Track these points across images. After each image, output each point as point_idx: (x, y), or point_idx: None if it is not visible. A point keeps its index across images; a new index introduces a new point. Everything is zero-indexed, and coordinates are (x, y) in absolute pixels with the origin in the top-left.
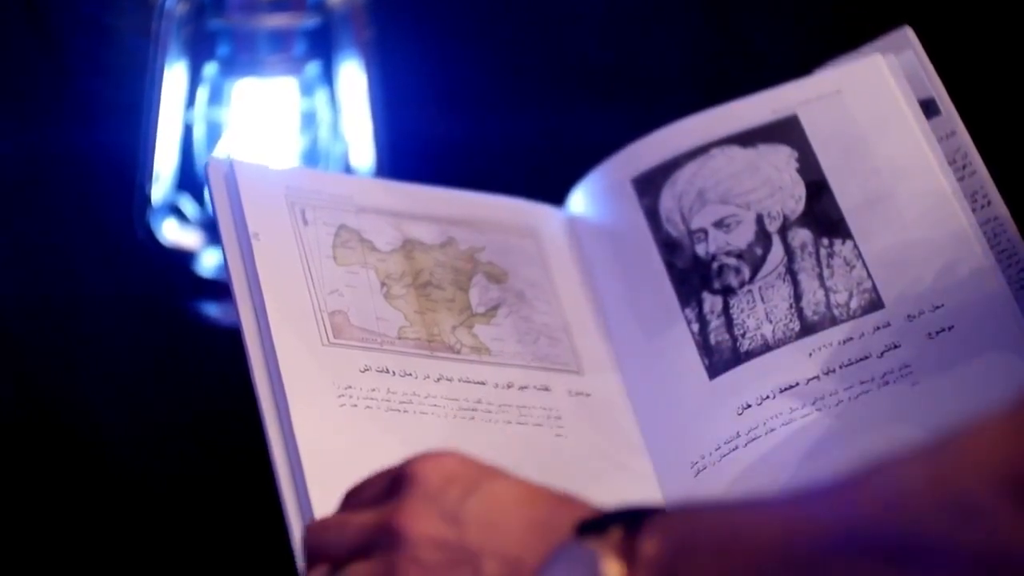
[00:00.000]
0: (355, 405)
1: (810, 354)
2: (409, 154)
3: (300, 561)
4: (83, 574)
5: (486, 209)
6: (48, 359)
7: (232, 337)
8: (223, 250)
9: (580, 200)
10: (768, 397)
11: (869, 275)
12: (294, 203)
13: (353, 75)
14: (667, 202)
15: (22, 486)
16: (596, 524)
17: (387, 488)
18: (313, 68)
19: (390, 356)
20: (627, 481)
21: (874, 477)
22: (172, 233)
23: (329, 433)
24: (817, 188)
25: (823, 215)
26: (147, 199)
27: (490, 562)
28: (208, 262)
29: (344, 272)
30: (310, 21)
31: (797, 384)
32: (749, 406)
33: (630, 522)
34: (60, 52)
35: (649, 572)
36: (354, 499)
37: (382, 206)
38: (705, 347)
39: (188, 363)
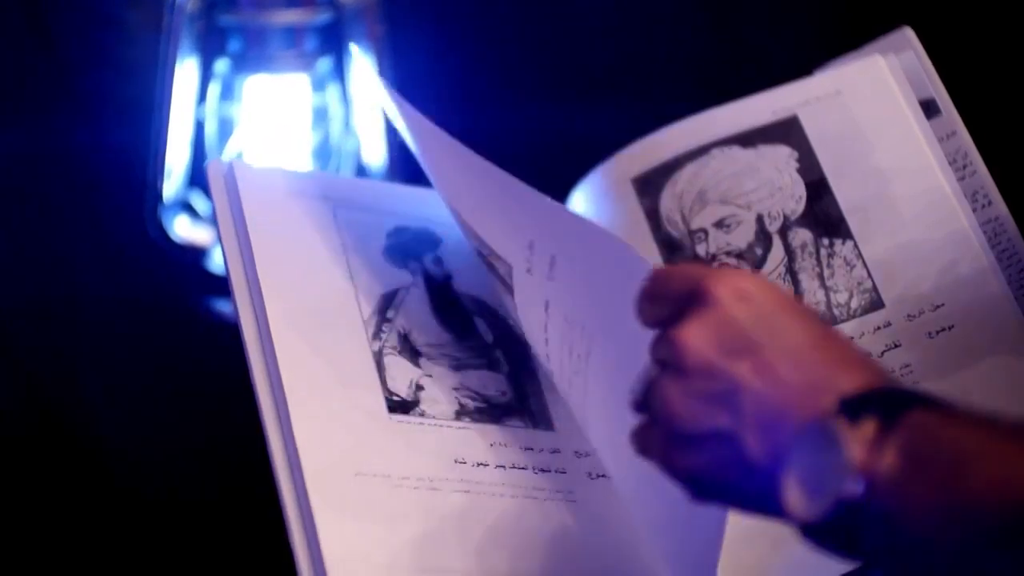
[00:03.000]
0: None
1: None
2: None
3: None
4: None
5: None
6: (53, 360)
7: (234, 334)
8: (223, 251)
9: (581, 199)
10: None
11: (869, 275)
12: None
13: (363, 70)
14: (667, 202)
15: (25, 488)
16: (854, 408)
17: (680, 297)
18: (325, 64)
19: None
20: None
21: None
22: (184, 230)
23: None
24: (817, 188)
25: (823, 215)
26: (158, 196)
27: (758, 406)
28: (220, 259)
29: None
30: (322, 17)
31: None
32: None
33: (885, 415)
34: (66, 48)
35: (888, 471)
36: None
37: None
38: None
39: (197, 363)
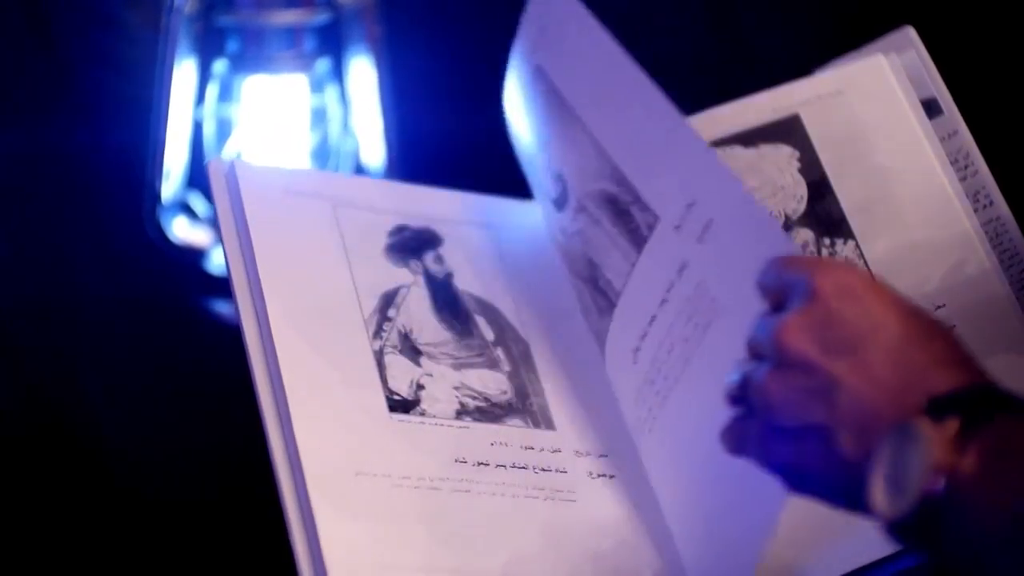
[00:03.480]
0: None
1: None
2: (415, 150)
3: None
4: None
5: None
6: (52, 361)
7: (234, 334)
8: (224, 250)
9: None
10: None
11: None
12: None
13: (363, 71)
14: None
15: (25, 489)
16: (940, 407)
17: (787, 287)
18: (323, 64)
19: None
20: None
21: None
22: (182, 231)
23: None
24: (819, 188)
25: (825, 215)
26: (157, 196)
27: (852, 404)
28: (219, 259)
29: None
30: (320, 17)
31: None
32: None
33: (969, 416)
34: (66, 48)
35: (970, 472)
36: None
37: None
38: None
39: (197, 363)
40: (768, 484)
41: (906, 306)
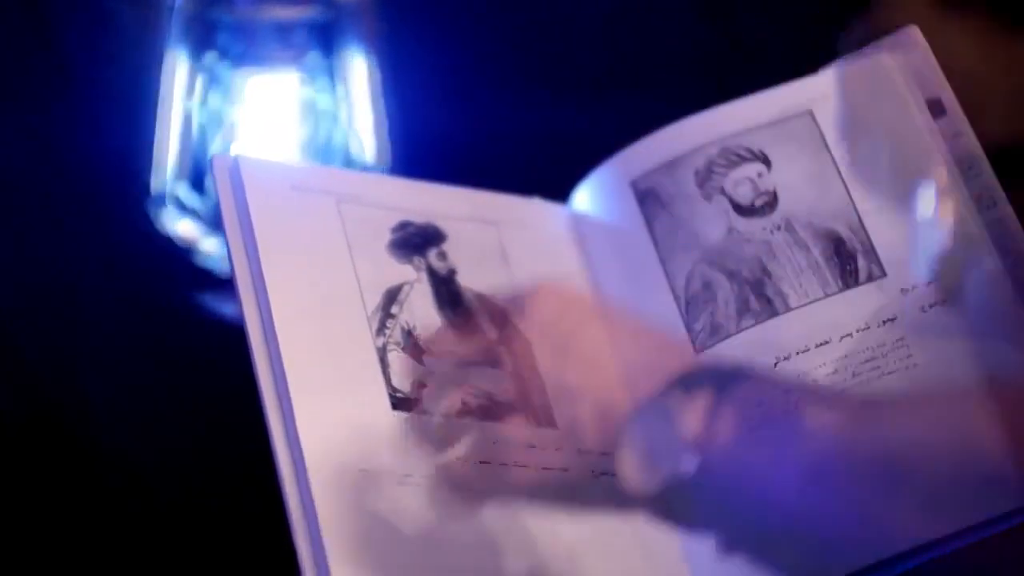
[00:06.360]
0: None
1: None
2: (414, 148)
3: None
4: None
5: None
6: (53, 359)
7: (234, 331)
8: (227, 246)
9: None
10: None
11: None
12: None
13: (359, 68)
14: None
15: (22, 485)
16: (687, 382)
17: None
18: (319, 60)
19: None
20: None
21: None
22: (173, 223)
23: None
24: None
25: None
26: (148, 189)
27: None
28: (209, 252)
29: None
30: (315, 14)
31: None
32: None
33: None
34: (59, 41)
35: (719, 445)
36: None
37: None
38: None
39: (189, 358)
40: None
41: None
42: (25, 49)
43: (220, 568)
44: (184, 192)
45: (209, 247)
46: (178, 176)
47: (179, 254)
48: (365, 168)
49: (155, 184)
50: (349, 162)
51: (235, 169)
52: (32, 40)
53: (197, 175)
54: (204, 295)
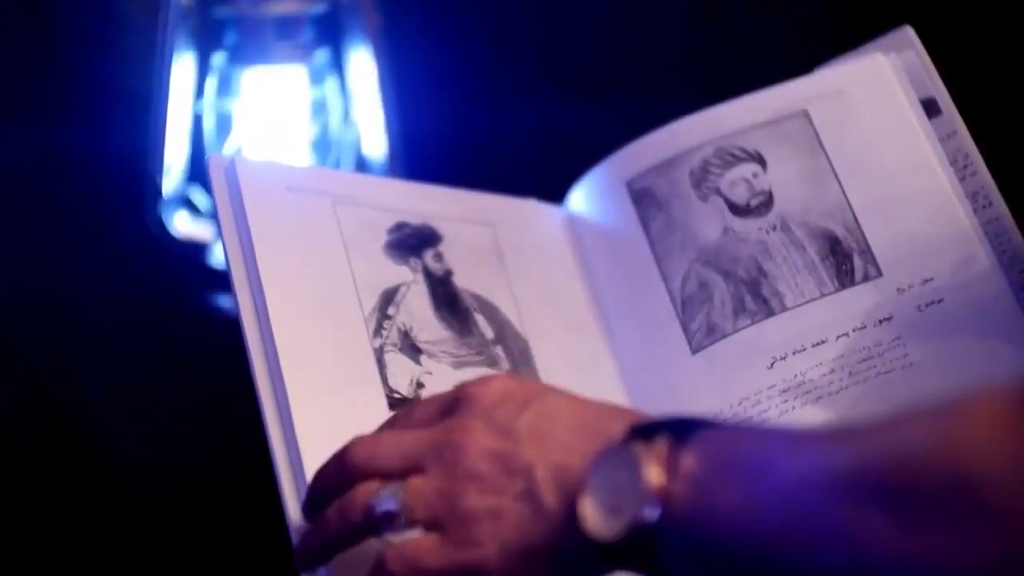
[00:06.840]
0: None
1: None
2: (413, 146)
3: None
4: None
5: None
6: (53, 359)
7: (233, 331)
8: (224, 246)
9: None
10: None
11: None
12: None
13: (363, 62)
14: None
15: (23, 485)
16: (645, 431)
17: (442, 410)
18: (322, 56)
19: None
20: None
21: (886, 431)
22: (184, 225)
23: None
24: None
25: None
26: (158, 191)
27: (541, 470)
28: (220, 253)
29: None
30: (318, 7)
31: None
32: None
33: (677, 433)
34: (62, 43)
35: (685, 485)
36: (403, 421)
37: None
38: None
39: (189, 358)
40: None
41: (554, 387)
42: (25, 49)
43: (220, 568)
44: (195, 193)
45: (220, 248)
46: (189, 177)
47: (180, 254)
48: (368, 162)
49: (166, 187)
50: (352, 156)
51: (231, 170)
52: (32, 40)
53: (208, 177)
54: (214, 295)
